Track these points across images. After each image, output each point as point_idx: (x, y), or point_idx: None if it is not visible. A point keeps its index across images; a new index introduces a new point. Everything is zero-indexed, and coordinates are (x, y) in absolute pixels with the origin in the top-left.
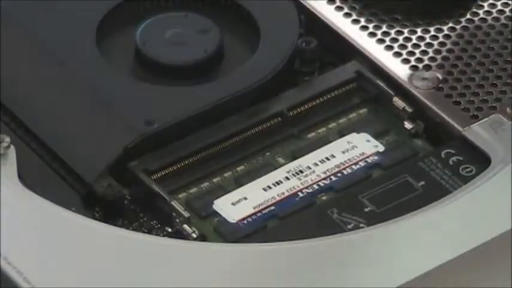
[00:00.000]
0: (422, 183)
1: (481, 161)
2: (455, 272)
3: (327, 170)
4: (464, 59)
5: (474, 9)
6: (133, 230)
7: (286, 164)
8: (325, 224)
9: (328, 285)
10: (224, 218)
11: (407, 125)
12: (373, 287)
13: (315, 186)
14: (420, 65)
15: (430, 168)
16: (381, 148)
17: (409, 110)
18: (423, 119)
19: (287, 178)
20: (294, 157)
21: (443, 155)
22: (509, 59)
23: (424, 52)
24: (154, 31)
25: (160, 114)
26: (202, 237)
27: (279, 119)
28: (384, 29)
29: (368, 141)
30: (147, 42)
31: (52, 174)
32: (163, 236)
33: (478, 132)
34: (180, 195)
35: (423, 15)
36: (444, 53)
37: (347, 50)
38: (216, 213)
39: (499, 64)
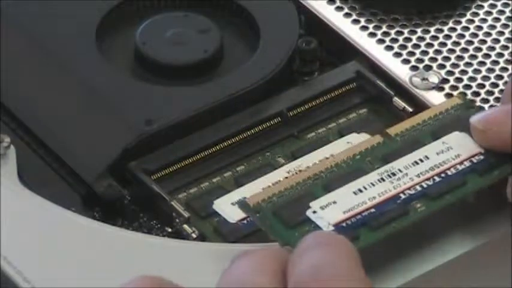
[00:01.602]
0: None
1: None
2: (455, 273)
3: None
4: (465, 59)
5: (474, 10)
6: (133, 230)
7: (286, 163)
8: None
9: None
10: (224, 218)
11: None
12: (373, 287)
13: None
14: (420, 65)
15: None
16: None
17: (409, 110)
18: None
19: (286, 178)
20: (294, 157)
21: None
22: (510, 59)
23: (424, 52)
24: (154, 31)
25: (160, 114)
26: (202, 237)
27: (279, 119)
28: (384, 29)
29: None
30: (147, 42)
31: (52, 174)
32: (163, 236)
33: None
34: (180, 196)
35: (423, 15)
36: (444, 53)
37: (347, 50)
38: (215, 213)
39: (500, 64)
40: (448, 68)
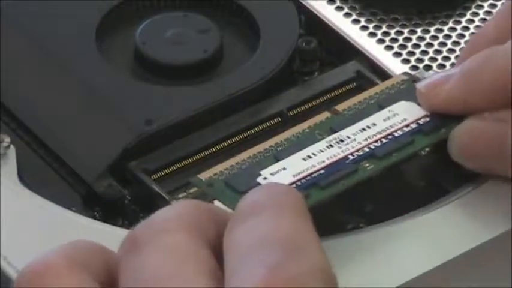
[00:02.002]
0: (422, 182)
1: None
2: (455, 273)
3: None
4: None
5: (474, 10)
6: None
7: None
8: (324, 224)
9: None
10: None
11: None
12: (373, 287)
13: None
14: (420, 65)
15: (430, 168)
16: None
17: None
18: None
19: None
20: None
21: (443, 155)
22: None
23: (424, 52)
24: (154, 31)
25: (160, 114)
26: None
27: (279, 118)
28: (384, 29)
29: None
30: (146, 42)
31: (52, 174)
32: None
33: None
34: (180, 195)
35: (423, 15)
36: (444, 53)
37: (347, 50)
38: None
39: None
40: (448, 67)
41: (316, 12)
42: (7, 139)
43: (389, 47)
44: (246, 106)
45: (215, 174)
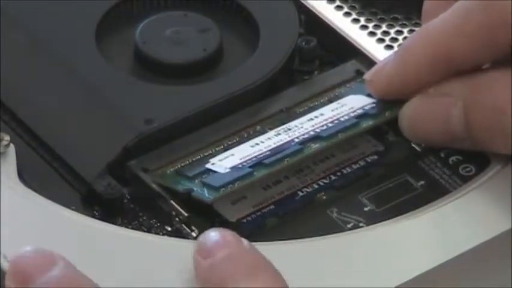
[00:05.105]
0: (422, 182)
1: (480, 160)
2: (455, 272)
3: (327, 169)
4: None
5: None
6: (132, 229)
7: None
8: (324, 223)
9: (327, 285)
10: (224, 218)
11: None
12: (372, 286)
13: (315, 186)
14: None
15: (430, 168)
16: (381, 148)
17: None
18: None
19: (286, 177)
20: None
21: (442, 155)
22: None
23: None
24: (154, 30)
25: (160, 113)
26: None
27: None
28: (384, 28)
29: (368, 141)
30: (146, 41)
31: (52, 173)
32: (163, 235)
33: None
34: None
35: None
36: None
37: (347, 49)
38: (216, 213)
39: None
40: None
41: (316, 12)
42: (7, 138)
43: (389, 47)
44: (245, 105)
45: (166, 165)
